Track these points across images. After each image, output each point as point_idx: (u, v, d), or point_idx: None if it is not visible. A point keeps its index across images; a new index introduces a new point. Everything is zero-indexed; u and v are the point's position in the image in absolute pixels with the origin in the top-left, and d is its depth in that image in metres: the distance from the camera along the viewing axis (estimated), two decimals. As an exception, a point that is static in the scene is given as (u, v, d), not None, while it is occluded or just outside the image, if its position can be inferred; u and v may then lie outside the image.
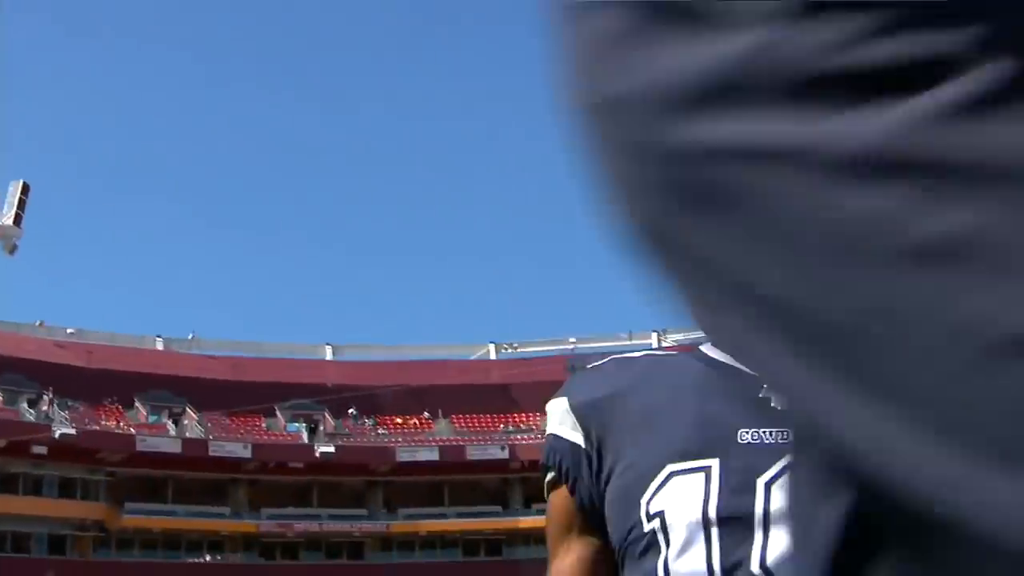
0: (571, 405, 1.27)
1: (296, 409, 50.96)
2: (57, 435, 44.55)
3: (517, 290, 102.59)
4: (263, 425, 50.89)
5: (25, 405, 46.27)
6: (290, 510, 49.54)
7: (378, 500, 50.51)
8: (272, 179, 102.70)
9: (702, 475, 1.14)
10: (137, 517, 47.05)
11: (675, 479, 1.15)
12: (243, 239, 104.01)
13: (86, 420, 46.97)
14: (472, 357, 54.31)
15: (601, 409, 1.24)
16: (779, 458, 1.11)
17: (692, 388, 1.18)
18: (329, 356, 55.04)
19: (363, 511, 50.09)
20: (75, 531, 46.51)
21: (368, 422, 51.21)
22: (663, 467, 1.16)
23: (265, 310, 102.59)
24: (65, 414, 46.31)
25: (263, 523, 48.94)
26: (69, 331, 51.15)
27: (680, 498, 1.14)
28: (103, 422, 47.73)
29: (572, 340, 52.80)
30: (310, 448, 49.33)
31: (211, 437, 48.53)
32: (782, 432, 1.10)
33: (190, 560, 47.77)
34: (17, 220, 44.89)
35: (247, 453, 48.41)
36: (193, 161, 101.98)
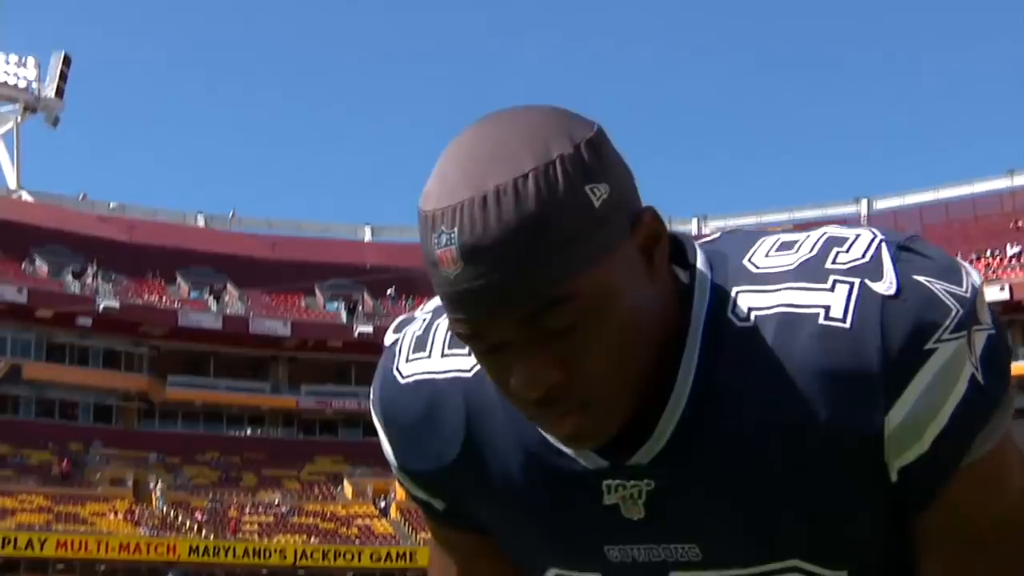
0: (406, 473, 1.05)
1: (335, 289, 51.69)
2: (101, 308, 45.60)
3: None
4: (302, 304, 51.63)
5: (70, 277, 47.15)
6: (329, 387, 50.73)
7: (414, 380, 51.62)
8: (314, 58, 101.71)
9: None
10: (180, 390, 48.46)
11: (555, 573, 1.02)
12: (285, 117, 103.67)
13: (129, 294, 47.84)
14: (510, 241, 54.67)
15: (444, 485, 1.02)
16: (665, 571, 0.95)
17: (527, 484, 0.95)
18: (368, 237, 55.60)
19: (400, 390, 51.19)
20: (120, 401, 48.07)
21: (406, 303, 51.84)
22: (547, 568, 1.02)
23: (305, 189, 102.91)
24: (109, 287, 47.19)
25: (302, 399, 50.21)
26: (111, 205, 51.83)
27: None
28: (146, 296, 48.59)
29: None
30: (349, 328, 50.07)
31: (251, 314, 49.37)
32: (652, 545, 0.94)
33: (231, 433, 49.25)
34: (59, 92, 45.02)
35: (287, 331, 49.30)
36: (238, 38, 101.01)
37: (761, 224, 54.56)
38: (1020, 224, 45.67)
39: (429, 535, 1.14)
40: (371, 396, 1.07)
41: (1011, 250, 44.92)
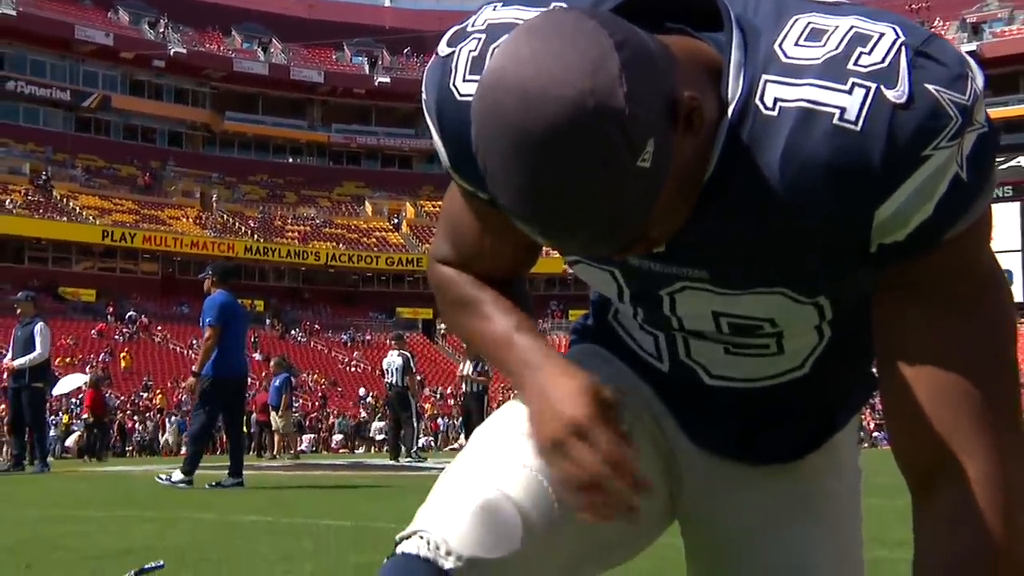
0: (456, 172, 1.10)
1: (359, 45, 58.24)
2: (172, 53, 52.90)
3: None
4: (333, 57, 58.34)
5: (146, 26, 54.30)
6: (354, 126, 58.03)
7: (424, 122, 57.80)
8: None
9: (608, 274, 1.10)
10: (235, 123, 55.91)
11: (582, 265, 1.12)
12: None
13: (194, 42, 54.76)
14: (509, 10, 60.29)
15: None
16: (674, 281, 1.06)
17: None
18: (387, 3, 61.53)
19: (411, 131, 58.11)
20: (188, 130, 55.86)
21: (418, 60, 57.97)
22: (569, 255, 1.10)
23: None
24: (177, 36, 54.23)
25: (333, 135, 57.63)
26: (177, -34, 57.49)
27: (592, 278, 1.13)
28: (207, 45, 55.54)
29: None
30: (371, 78, 57.10)
31: (292, 64, 56.39)
32: (667, 266, 1.05)
33: (276, 160, 57.09)
34: None
35: (320, 79, 56.44)
36: None
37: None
38: (915, 7, 53.18)
39: (452, 189, 1.17)
40: (424, 98, 1.08)
41: (904, 26, 53.62)
